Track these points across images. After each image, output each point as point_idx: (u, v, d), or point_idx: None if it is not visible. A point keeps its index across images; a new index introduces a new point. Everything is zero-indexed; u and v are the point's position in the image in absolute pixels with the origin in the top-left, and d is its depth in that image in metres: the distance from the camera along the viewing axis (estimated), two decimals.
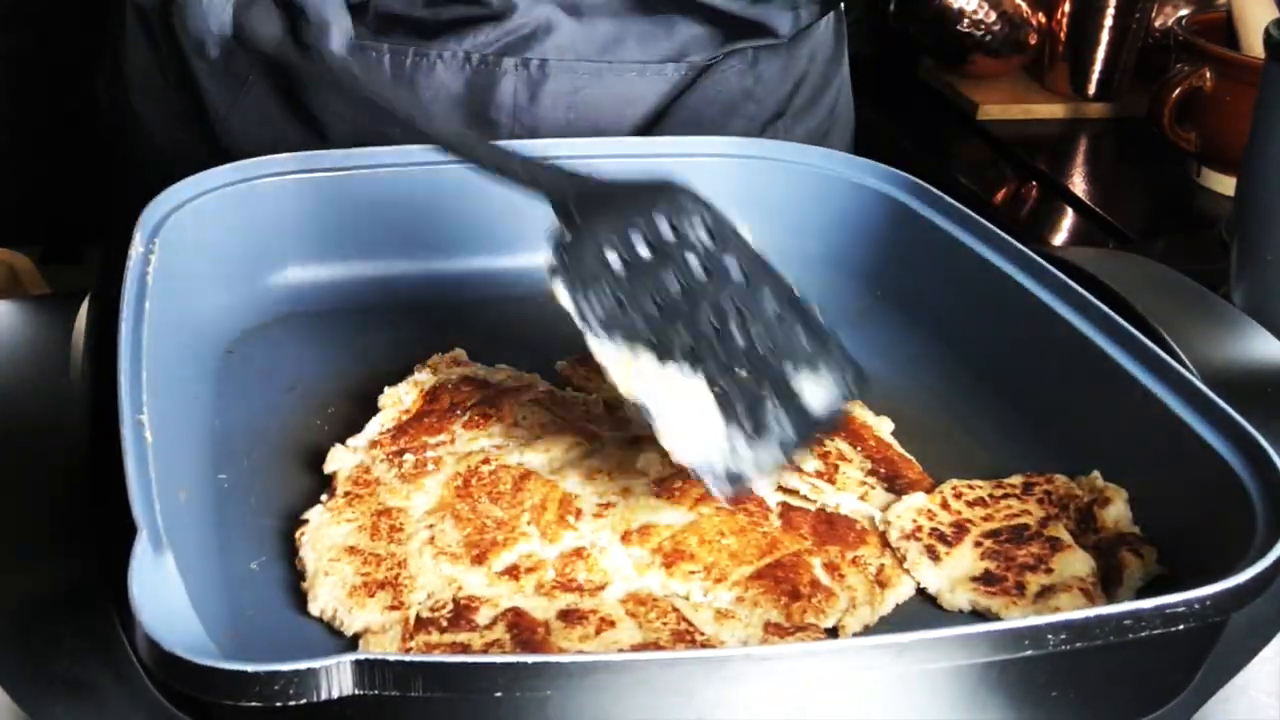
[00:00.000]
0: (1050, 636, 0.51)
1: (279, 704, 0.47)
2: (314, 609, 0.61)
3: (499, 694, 0.48)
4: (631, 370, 0.64)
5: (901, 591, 0.64)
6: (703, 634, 0.60)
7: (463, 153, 0.71)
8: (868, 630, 0.62)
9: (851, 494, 0.69)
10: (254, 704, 0.47)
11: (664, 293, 0.66)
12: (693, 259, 0.67)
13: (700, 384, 0.64)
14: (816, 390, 0.65)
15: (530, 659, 0.48)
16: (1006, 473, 0.71)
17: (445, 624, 0.60)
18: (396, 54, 0.95)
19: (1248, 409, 0.64)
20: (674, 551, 0.64)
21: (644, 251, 0.66)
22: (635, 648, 0.59)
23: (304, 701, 0.47)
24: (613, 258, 0.66)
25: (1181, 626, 0.52)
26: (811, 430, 0.65)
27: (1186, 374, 0.67)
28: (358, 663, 0.47)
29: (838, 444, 0.72)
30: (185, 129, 1.02)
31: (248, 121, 0.99)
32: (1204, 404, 0.65)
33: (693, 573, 0.63)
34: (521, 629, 0.59)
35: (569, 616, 0.60)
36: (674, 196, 0.68)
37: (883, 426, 0.75)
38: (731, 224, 0.69)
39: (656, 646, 0.59)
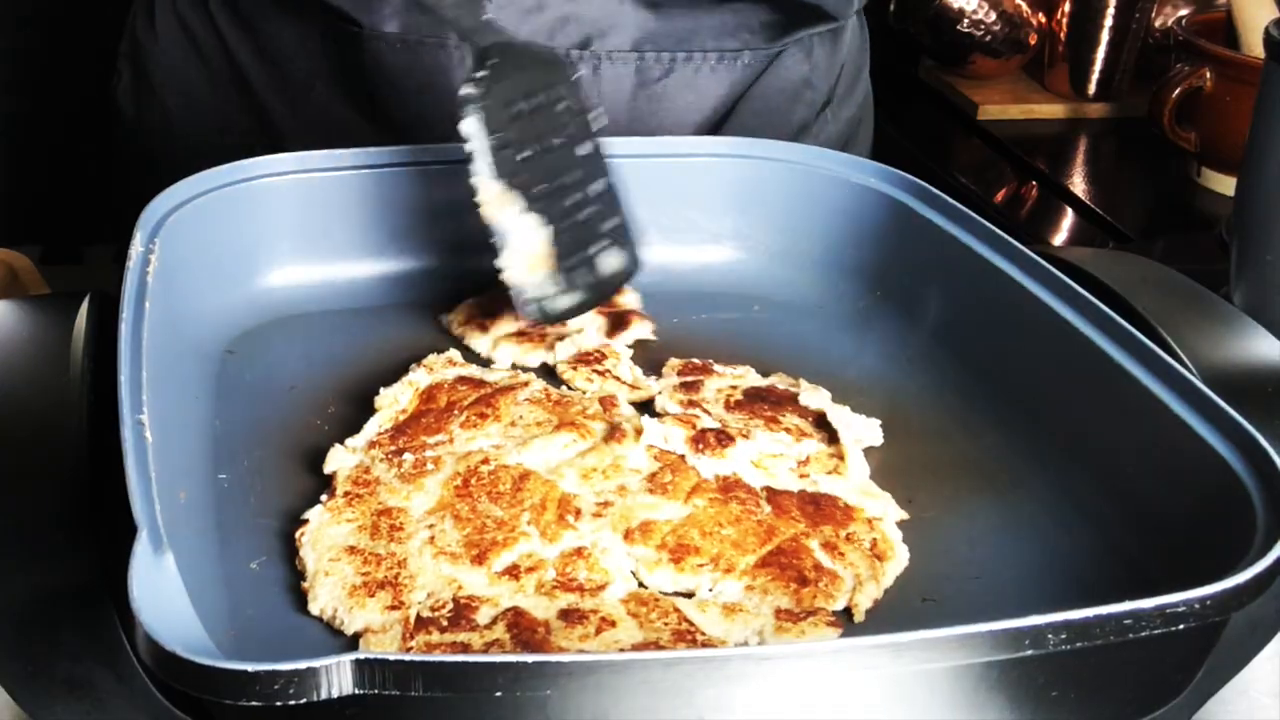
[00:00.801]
0: (1050, 636, 0.51)
1: (279, 703, 0.47)
2: (314, 609, 0.61)
3: (499, 694, 0.48)
4: (501, 201, 0.77)
5: (899, 562, 0.66)
6: (704, 634, 0.61)
7: None
8: (876, 605, 0.63)
9: (823, 469, 0.71)
10: (254, 703, 0.47)
11: (536, 147, 0.78)
12: (559, 128, 0.79)
13: (544, 229, 0.78)
14: (612, 260, 0.81)
15: (530, 659, 0.48)
16: (1005, 472, 0.71)
17: (445, 624, 0.60)
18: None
19: (1248, 409, 0.64)
20: (679, 546, 0.64)
21: (530, 108, 0.78)
22: (636, 647, 0.59)
23: (304, 701, 0.47)
24: (510, 108, 0.77)
25: (1181, 626, 0.52)
26: (602, 291, 0.81)
27: (1186, 374, 0.67)
28: (358, 662, 0.47)
29: (794, 420, 0.74)
30: (238, 136, 1.02)
31: (314, 127, 0.99)
32: (1204, 404, 0.65)
33: (701, 566, 0.64)
34: (521, 629, 0.59)
35: (569, 616, 0.60)
36: (569, 76, 0.81)
37: (820, 397, 0.76)
38: (591, 111, 0.81)
39: (657, 646, 0.59)
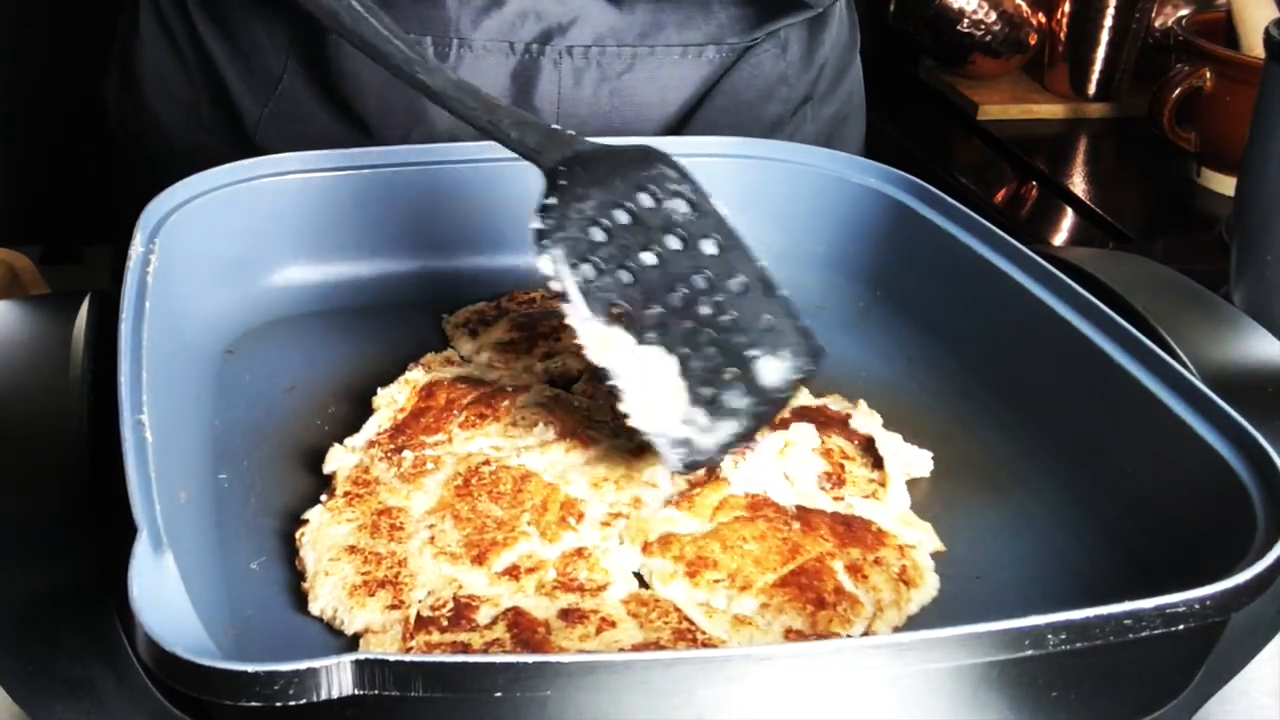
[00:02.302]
0: (1050, 636, 0.51)
1: (279, 704, 0.47)
2: (314, 609, 0.61)
3: (499, 694, 0.48)
4: (604, 341, 0.66)
5: (927, 591, 0.64)
6: (704, 634, 0.60)
7: (453, 107, 0.70)
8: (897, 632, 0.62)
9: (860, 493, 0.69)
10: (254, 704, 0.47)
11: (641, 265, 0.67)
12: (670, 232, 0.68)
13: (668, 360, 0.66)
14: (775, 366, 0.67)
15: (530, 659, 0.48)
16: (1005, 472, 0.71)
17: (446, 623, 0.60)
18: (440, 45, 0.95)
19: (1248, 409, 0.64)
20: (697, 559, 0.63)
21: (625, 220, 0.67)
22: (636, 647, 0.59)
23: (304, 701, 0.47)
24: (596, 228, 0.67)
25: (1181, 626, 0.52)
26: (768, 408, 0.67)
27: (1186, 374, 0.67)
28: (358, 663, 0.47)
29: (838, 442, 0.72)
30: (210, 131, 1.02)
31: (283, 120, 0.99)
32: (1204, 404, 0.65)
33: (717, 581, 0.62)
34: (522, 628, 0.59)
35: (569, 616, 0.60)
36: (657, 166, 0.69)
37: (872, 422, 0.74)
38: (709, 198, 0.69)
39: (657, 646, 0.59)
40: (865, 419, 0.74)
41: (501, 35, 0.96)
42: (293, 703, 0.47)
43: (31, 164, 1.79)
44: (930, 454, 0.73)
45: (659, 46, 0.98)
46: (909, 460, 0.72)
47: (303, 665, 0.47)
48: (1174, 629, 0.52)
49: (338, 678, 0.47)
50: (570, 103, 0.98)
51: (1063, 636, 0.51)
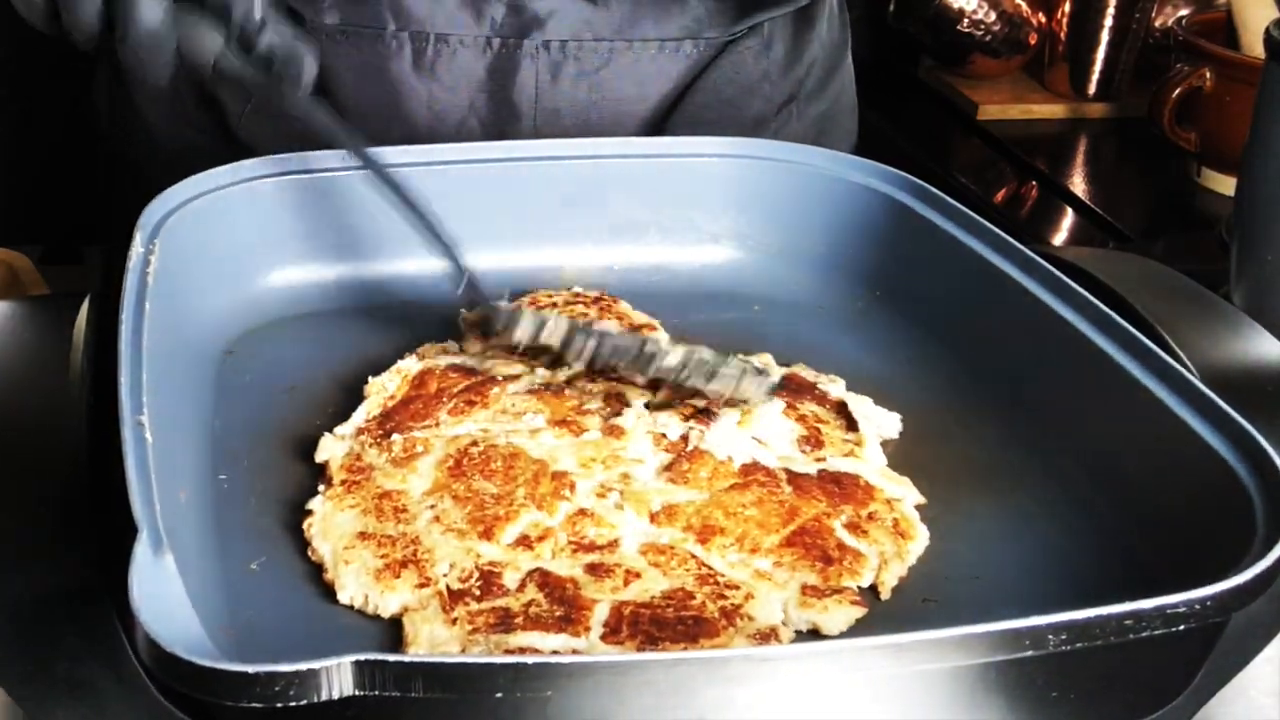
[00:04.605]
0: (1050, 637, 0.51)
1: (279, 704, 0.47)
2: (343, 598, 0.62)
3: (499, 694, 0.48)
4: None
5: (921, 542, 0.66)
6: (724, 577, 0.62)
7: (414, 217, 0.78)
8: (902, 582, 0.64)
9: (839, 453, 0.71)
10: (254, 705, 0.47)
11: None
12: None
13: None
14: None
15: (530, 660, 0.48)
16: (1005, 472, 0.71)
17: (479, 593, 0.60)
18: (417, 40, 0.95)
19: (1248, 409, 0.64)
20: (705, 527, 0.65)
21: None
22: (667, 595, 0.60)
23: (304, 702, 0.47)
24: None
25: (1182, 627, 0.52)
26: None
27: (1186, 374, 0.67)
28: (358, 663, 0.47)
29: (811, 407, 0.74)
30: (197, 129, 1.02)
31: (264, 115, 0.99)
32: (1204, 404, 0.65)
33: (727, 546, 0.64)
34: (552, 586, 0.61)
35: (596, 570, 0.62)
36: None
37: (839, 388, 0.77)
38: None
39: (685, 593, 0.61)
40: (832, 385, 0.77)
41: (477, 30, 0.96)
42: (293, 703, 0.47)
43: (31, 164, 1.79)
44: (899, 416, 0.75)
45: (636, 41, 0.98)
46: (880, 422, 0.75)
47: (303, 666, 0.47)
48: (1174, 629, 0.52)
49: (338, 678, 0.47)
50: (548, 97, 0.98)
51: (1063, 637, 0.51)
